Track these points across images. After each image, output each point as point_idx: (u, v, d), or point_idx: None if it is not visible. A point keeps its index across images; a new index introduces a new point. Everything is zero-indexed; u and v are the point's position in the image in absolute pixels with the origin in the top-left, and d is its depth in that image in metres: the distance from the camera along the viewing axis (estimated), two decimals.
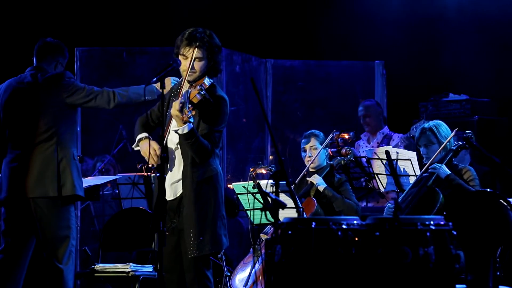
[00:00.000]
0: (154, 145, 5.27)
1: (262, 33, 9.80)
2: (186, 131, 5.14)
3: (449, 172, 6.24)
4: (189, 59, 5.30)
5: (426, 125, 6.49)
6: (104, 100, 6.07)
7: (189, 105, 5.13)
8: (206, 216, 5.24)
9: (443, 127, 6.47)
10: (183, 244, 5.27)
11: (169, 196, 5.31)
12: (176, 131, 5.20)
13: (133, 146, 5.51)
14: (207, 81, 5.31)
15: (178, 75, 5.57)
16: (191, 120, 5.12)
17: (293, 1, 10.04)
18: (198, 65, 5.31)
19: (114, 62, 8.99)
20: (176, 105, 5.13)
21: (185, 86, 5.37)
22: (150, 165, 5.31)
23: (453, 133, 6.38)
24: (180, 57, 5.35)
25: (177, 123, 5.19)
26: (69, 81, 6.08)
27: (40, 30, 9.04)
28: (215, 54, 5.36)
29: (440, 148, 6.35)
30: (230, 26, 9.68)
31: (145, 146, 5.32)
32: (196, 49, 5.29)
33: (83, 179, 6.88)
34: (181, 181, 5.30)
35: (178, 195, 5.32)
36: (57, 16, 9.46)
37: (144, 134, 5.41)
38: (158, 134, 5.26)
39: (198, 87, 5.24)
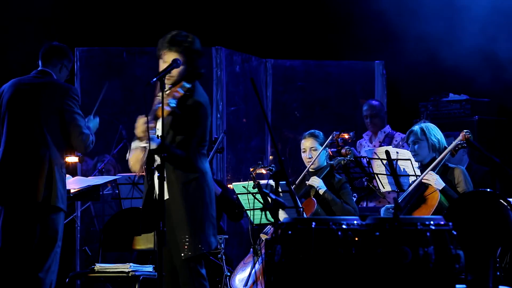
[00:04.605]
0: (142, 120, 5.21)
1: (262, 33, 9.80)
2: (153, 147, 5.11)
3: (444, 184, 6.20)
4: (167, 63, 5.24)
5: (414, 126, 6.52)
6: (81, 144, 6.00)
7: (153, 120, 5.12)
8: (196, 217, 5.22)
9: (432, 127, 6.44)
10: (173, 245, 5.24)
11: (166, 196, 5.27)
12: (144, 147, 5.17)
13: None
14: (180, 90, 5.23)
15: None
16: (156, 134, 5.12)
17: (293, 1, 10.04)
18: (176, 70, 5.23)
19: (114, 62, 8.98)
20: (140, 123, 5.17)
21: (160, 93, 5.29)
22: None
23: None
24: (160, 60, 5.30)
25: (141, 140, 5.19)
26: (72, 99, 6.02)
27: (40, 30, 9.06)
28: (194, 60, 5.29)
29: (443, 155, 6.31)
30: (230, 26, 9.69)
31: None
32: (175, 53, 5.23)
33: (83, 178, 6.89)
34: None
35: (169, 196, 5.29)
36: (57, 16, 9.45)
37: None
38: None
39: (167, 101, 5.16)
